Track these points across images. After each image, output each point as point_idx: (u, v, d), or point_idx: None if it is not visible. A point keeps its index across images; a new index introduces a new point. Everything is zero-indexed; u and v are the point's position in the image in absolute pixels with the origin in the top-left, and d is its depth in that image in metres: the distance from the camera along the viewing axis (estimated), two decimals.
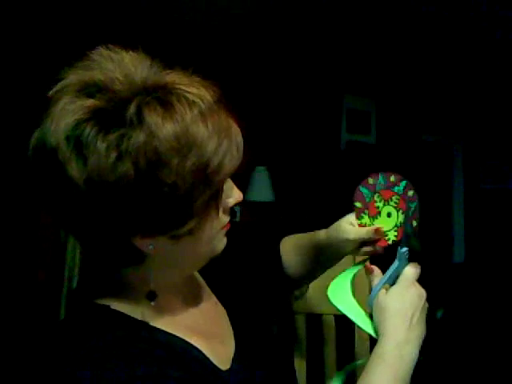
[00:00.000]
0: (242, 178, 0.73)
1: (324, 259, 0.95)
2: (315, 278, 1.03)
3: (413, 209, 0.82)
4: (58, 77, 0.64)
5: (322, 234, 0.92)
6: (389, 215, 0.84)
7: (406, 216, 0.82)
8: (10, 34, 2.59)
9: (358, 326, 0.80)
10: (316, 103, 3.84)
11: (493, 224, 4.58)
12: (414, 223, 0.82)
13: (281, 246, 1.00)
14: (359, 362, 1.05)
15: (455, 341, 3.53)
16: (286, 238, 1.02)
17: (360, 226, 0.86)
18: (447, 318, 3.90)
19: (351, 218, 0.87)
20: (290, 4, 2.88)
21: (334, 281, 0.84)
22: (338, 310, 0.82)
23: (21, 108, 2.58)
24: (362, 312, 0.81)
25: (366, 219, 0.85)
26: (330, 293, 0.83)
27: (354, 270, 0.86)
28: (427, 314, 0.79)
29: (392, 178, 0.84)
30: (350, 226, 0.86)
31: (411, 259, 0.81)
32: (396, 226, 0.83)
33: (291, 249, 1.00)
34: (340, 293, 0.83)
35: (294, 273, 0.99)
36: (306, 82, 3.78)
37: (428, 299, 0.79)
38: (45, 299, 2.40)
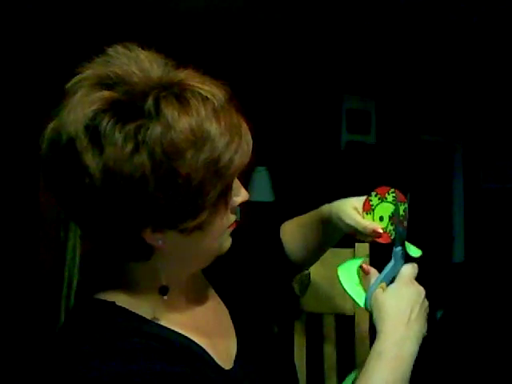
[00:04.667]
0: (242, 178, 0.74)
1: (324, 236, 0.96)
2: (316, 259, 1.04)
3: (402, 212, 0.84)
4: (74, 71, 0.66)
5: (325, 207, 0.93)
6: (381, 219, 0.84)
7: (396, 216, 0.83)
8: (13, 36, 2.60)
9: (358, 305, 0.83)
10: (316, 103, 3.84)
11: (493, 224, 4.59)
12: (405, 223, 0.83)
13: (281, 230, 1.01)
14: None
15: (455, 341, 3.54)
16: (287, 221, 1.03)
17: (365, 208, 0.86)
18: (447, 317, 3.90)
19: (357, 202, 0.87)
20: (290, 4, 2.88)
21: (344, 264, 0.86)
22: (344, 290, 0.84)
23: (20, 105, 2.58)
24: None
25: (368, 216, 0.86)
26: (339, 271, 0.85)
27: (362, 258, 0.88)
28: (427, 314, 0.79)
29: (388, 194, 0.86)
30: (352, 211, 0.86)
31: (411, 259, 0.81)
32: (388, 226, 0.84)
33: (293, 229, 1.00)
34: (348, 274, 0.85)
35: (295, 255, 1.00)
36: (306, 83, 3.78)
37: (428, 299, 0.79)
38: (45, 300, 2.40)
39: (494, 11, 3.00)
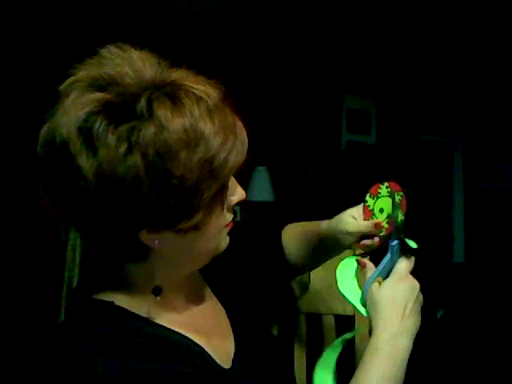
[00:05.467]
0: (242, 178, 0.74)
1: (324, 250, 0.95)
2: (316, 267, 1.04)
3: (397, 200, 0.84)
4: (67, 72, 0.66)
5: (324, 223, 0.92)
6: (381, 211, 0.84)
7: (393, 210, 0.83)
8: (7, 38, 2.59)
9: (358, 311, 0.82)
10: (316, 103, 3.85)
11: (493, 224, 4.58)
12: (400, 217, 0.84)
13: (283, 234, 1.01)
14: (353, 332, 1.04)
15: (455, 341, 3.53)
16: (289, 225, 1.02)
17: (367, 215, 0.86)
18: (447, 317, 3.90)
19: (354, 211, 0.87)
20: (291, 5, 2.88)
21: (341, 264, 0.86)
22: (342, 295, 0.83)
23: (20, 106, 2.58)
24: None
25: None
26: (338, 268, 0.85)
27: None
28: (427, 314, 0.79)
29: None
30: (351, 219, 0.86)
31: (410, 253, 0.81)
32: (387, 218, 0.84)
33: (293, 236, 0.99)
34: (345, 277, 0.84)
35: (295, 260, 0.99)
36: (307, 83, 3.78)
37: (428, 299, 0.80)
38: (45, 300, 2.40)
39: (493, 11, 3.00)
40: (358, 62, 3.81)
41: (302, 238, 0.98)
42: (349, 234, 0.86)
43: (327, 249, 0.95)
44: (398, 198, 0.84)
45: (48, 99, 0.66)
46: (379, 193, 0.85)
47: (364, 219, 0.85)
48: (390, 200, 0.84)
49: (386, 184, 0.85)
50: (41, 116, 0.66)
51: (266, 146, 3.36)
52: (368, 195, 0.85)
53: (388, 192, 0.84)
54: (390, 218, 0.83)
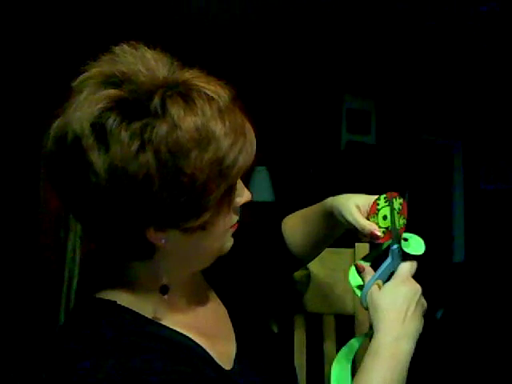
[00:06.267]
0: (242, 178, 0.74)
1: (326, 228, 0.94)
2: (317, 253, 1.03)
3: (400, 224, 0.83)
4: (81, 69, 0.66)
5: (329, 200, 0.91)
6: (384, 218, 0.84)
7: (392, 216, 0.82)
8: (19, 33, 2.60)
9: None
10: (316, 103, 3.85)
11: (493, 224, 4.59)
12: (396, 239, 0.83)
13: (283, 224, 1.00)
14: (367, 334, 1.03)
15: (455, 341, 3.54)
16: (289, 215, 1.02)
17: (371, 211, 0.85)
18: (447, 317, 3.91)
19: (359, 200, 0.85)
20: (291, 4, 2.88)
21: (351, 270, 0.86)
22: (355, 293, 0.84)
23: (24, 104, 2.58)
24: None
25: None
26: (350, 275, 0.85)
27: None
28: (427, 314, 0.79)
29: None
30: (354, 208, 0.85)
31: (412, 257, 0.80)
32: (385, 229, 0.83)
33: (294, 223, 0.99)
34: (357, 283, 0.84)
35: (296, 249, 0.99)
36: (307, 83, 3.78)
37: (428, 299, 0.79)
38: (44, 300, 2.41)
39: (492, 12, 3.00)
40: (358, 61, 3.81)
41: (304, 221, 0.98)
42: (345, 221, 0.85)
43: (328, 227, 0.94)
44: (402, 221, 0.83)
45: (56, 96, 0.66)
46: (391, 201, 0.84)
47: (368, 212, 0.84)
48: (396, 216, 0.83)
49: (401, 201, 0.84)
50: (48, 113, 0.66)
51: (266, 146, 3.36)
52: (383, 196, 0.84)
53: (398, 208, 0.83)
54: (389, 230, 0.82)
